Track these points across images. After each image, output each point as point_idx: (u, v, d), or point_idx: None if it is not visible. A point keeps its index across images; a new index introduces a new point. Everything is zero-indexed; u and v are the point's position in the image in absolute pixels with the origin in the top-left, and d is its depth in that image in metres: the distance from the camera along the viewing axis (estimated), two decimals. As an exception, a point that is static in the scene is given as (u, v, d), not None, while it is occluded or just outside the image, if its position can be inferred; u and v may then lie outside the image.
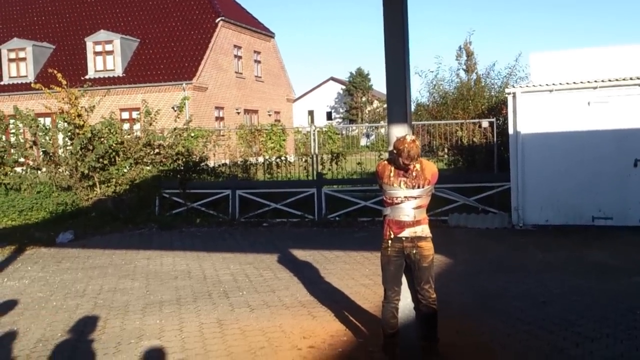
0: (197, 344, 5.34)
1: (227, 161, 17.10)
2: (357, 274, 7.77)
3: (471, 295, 6.64)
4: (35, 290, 7.53)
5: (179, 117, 14.33)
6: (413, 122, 14.26)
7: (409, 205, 4.61)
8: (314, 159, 16.06)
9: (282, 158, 16.62)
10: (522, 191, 10.46)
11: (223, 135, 20.90)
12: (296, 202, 12.63)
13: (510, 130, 10.61)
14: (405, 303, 4.87)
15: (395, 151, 4.55)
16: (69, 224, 12.39)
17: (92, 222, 12.47)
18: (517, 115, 10.41)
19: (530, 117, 10.33)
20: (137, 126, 14.54)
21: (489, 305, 6.25)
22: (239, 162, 16.98)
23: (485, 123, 14.30)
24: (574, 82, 10.14)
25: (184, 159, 13.65)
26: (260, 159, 17.48)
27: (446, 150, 16.03)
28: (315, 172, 15.08)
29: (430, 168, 4.73)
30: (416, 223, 4.62)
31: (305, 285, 7.30)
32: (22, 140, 13.36)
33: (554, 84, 10.23)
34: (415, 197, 4.61)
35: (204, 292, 7.19)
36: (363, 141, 35.49)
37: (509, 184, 10.72)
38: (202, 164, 14.25)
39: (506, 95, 10.97)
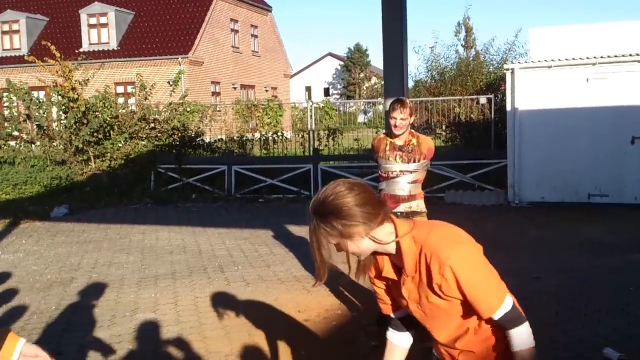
0: (192, 318, 5.34)
1: (224, 137, 17.03)
2: (352, 250, 7.75)
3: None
4: (30, 264, 7.52)
5: (174, 92, 14.22)
6: (411, 99, 14.20)
7: (404, 180, 4.60)
8: (311, 135, 16.00)
9: (279, 134, 16.56)
10: (519, 168, 10.44)
11: (219, 111, 20.80)
12: (293, 179, 12.60)
13: (509, 107, 10.55)
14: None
15: (387, 113, 4.63)
16: (64, 198, 12.34)
17: (87, 196, 12.42)
18: (515, 91, 10.34)
19: (528, 94, 10.26)
20: (132, 100, 14.42)
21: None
22: (235, 138, 16.90)
23: (483, 100, 14.23)
24: (573, 59, 10.05)
25: (179, 134, 13.57)
26: (257, 135, 17.41)
27: (444, 127, 15.98)
28: (312, 149, 15.05)
29: (427, 143, 4.71)
30: (411, 198, 4.61)
31: (301, 260, 7.30)
32: (15, 114, 13.25)
33: (553, 61, 10.15)
34: (411, 172, 4.60)
35: (199, 266, 7.19)
36: (361, 118, 35.31)
37: (506, 161, 10.69)
38: (198, 139, 14.19)
39: (505, 72, 10.90)
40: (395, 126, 4.51)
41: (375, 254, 2.07)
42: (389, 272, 2.11)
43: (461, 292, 1.96)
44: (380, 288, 2.23)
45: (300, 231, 9.03)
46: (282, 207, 11.55)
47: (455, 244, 1.99)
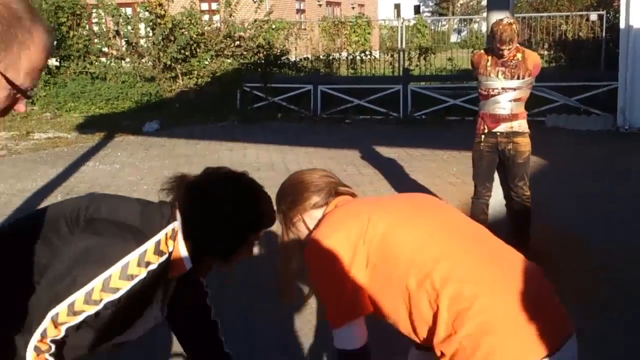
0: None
1: (309, 55, 16.65)
2: (444, 173, 7.42)
3: (567, 197, 6.20)
4: (125, 174, 7.75)
5: (259, 9, 13.91)
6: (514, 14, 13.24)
7: (505, 98, 4.33)
8: (401, 54, 15.36)
9: (367, 53, 15.98)
10: (631, 91, 9.52)
11: (304, 29, 20.32)
12: (381, 99, 12.16)
13: (622, 25, 9.56)
14: (496, 200, 4.63)
15: (490, 35, 4.26)
16: (154, 114, 12.53)
17: (175, 113, 12.56)
18: (630, 7, 9.31)
19: (646, 9, 9.21)
20: (217, 17, 14.26)
21: (587, 208, 5.83)
22: (321, 57, 16.48)
23: (593, 16, 13.10)
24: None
25: (264, 52, 13.33)
26: (344, 54, 16.91)
27: (547, 46, 14.86)
28: (401, 68, 14.48)
29: (533, 58, 4.40)
30: (513, 117, 4.35)
31: (389, 181, 7.05)
32: (104, 30, 13.42)
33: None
34: (514, 89, 4.32)
35: (286, 184, 7.08)
36: (453, 37, 33.64)
37: (616, 83, 9.77)
38: (284, 57, 13.91)
39: (620, -16, 9.84)
40: (502, 56, 4.19)
41: None
42: None
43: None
44: None
45: (389, 152, 8.71)
46: (370, 128, 11.20)
47: (322, 231, 1.65)
